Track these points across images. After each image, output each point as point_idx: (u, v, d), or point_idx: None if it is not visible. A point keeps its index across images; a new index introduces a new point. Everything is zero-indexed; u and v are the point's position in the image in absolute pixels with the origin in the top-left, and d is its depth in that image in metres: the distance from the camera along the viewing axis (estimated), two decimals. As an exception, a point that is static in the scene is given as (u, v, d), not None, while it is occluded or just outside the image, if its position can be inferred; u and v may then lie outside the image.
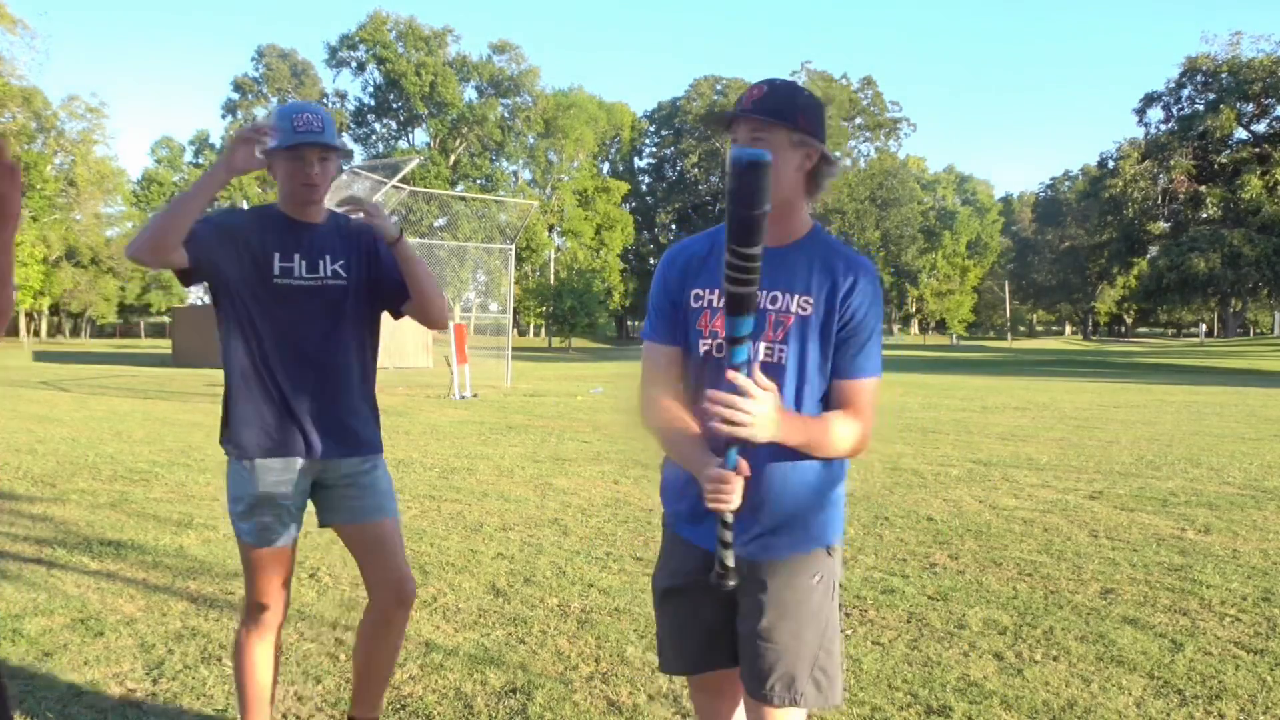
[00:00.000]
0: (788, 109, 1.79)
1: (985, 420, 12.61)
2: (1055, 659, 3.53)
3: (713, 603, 1.95)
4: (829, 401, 1.88)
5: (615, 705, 3.10)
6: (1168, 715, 3.04)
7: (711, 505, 1.71)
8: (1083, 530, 5.72)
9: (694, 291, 1.90)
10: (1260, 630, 3.87)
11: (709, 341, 1.86)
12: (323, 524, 2.58)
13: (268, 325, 2.40)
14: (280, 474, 2.42)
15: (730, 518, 1.74)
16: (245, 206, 2.55)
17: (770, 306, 1.83)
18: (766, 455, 1.83)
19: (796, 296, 1.83)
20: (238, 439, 2.43)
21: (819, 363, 1.85)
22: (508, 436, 10.63)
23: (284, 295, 2.40)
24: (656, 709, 3.06)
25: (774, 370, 1.82)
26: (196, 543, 5.29)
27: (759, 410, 1.67)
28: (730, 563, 1.75)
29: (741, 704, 2.09)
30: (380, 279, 2.50)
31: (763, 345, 1.83)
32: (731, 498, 1.70)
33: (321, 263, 2.43)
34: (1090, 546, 5.30)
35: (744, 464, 1.72)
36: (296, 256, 2.41)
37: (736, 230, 1.60)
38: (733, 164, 1.60)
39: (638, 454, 8.81)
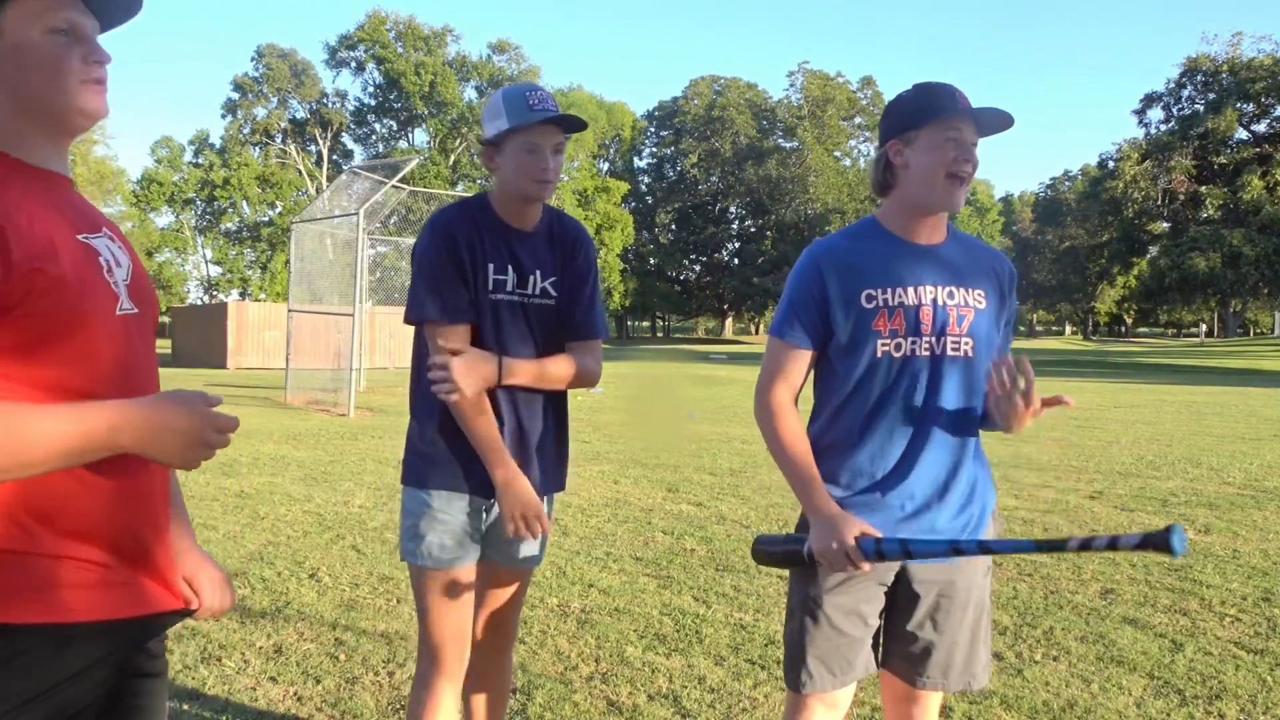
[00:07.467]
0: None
1: (985, 420, 12.60)
2: (1055, 659, 3.53)
3: (876, 598, 1.99)
4: None
5: (615, 705, 3.10)
6: (1168, 715, 3.04)
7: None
8: (1083, 530, 5.72)
9: (865, 292, 1.88)
10: (1260, 630, 3.87)
11: (888, 342, 1.86)
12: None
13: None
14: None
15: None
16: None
17: (949, 301, 1.89)
18: (949, 444, 1.92)
19: (971, 291, 1.93)
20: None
21: (992, 350, 1.96)
22: (508, 436, 10.60)
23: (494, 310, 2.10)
24: (656, 709, 3.06)
25: (962, 365, 1.91)
26: (196, 543, 5.28)
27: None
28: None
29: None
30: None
31: (949, 339, 1.89)
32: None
33: (532, 278, 2.12)
34: (1090, 546, 5.29)
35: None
36: (510, 269, 2.10)
37: None
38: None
39: (637, 454, 8.81)
